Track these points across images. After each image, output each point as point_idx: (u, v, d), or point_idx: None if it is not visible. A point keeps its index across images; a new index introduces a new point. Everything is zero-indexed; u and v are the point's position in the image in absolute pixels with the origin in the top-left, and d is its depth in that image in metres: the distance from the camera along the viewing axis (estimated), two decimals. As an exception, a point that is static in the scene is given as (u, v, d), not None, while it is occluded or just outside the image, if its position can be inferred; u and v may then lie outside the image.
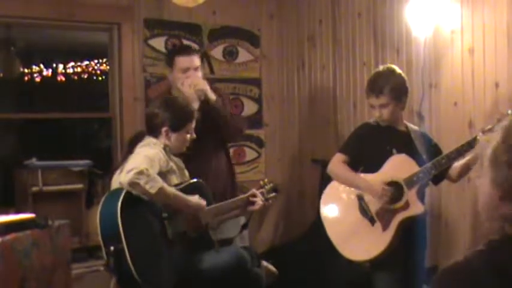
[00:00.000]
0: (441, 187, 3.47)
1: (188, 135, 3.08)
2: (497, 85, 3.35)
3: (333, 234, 3.12)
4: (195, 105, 3.42)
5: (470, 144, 2.83)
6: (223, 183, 3.51)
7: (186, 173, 3.15)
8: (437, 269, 3.48)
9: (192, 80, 3.47)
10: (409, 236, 2.95)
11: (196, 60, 3.59)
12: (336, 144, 4.26)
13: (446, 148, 3.04)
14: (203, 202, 2.96)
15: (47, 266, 2.93)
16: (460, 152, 2.87)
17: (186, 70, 3.53)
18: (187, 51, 3.67)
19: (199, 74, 3.59)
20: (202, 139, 3.35)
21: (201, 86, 3.47)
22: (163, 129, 3.01)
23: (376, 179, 3.01)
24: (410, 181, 2.92)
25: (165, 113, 3.03)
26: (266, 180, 3.43)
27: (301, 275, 4.04)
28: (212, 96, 3.48)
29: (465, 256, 1.28)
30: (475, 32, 3.46)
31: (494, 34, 3.35)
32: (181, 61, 3.54)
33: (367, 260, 3.03)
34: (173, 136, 3.03)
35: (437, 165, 2.90)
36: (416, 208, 2.92)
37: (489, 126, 2.79)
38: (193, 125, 3.10)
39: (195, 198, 2.93)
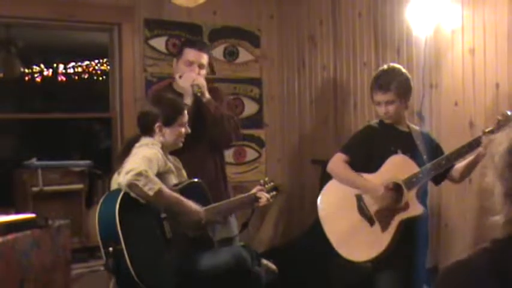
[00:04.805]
0: (442, 187, 3.46)
1: (182, 129, 3.07)
2: (497, 85, 3.34)
3: (332, 234, 3.11)
4: (188, 100, 3.40)
5: (471, 146, 2.84)
6: (212, 186, 3.44)
7: (184, 173, 3.14)
8: (437, 269, 3.48)
9: (190, 75, 3.45)
10: (410, 236, 2.94)
11: (203, 58, 3.53)
12: (336, 144, 4.25)
13: (447, 148, 3.04)
14: (202, 211, 2.94)
15: (47, 266, 2.92)
16: (460, 153, 2.88)
17: (190, 63, 3.48)
18: (197, 45, 3.59)
19: (203, 72, 3.53)
20: (195, 136, 3.33)
21: (198, 81, 3.42)
22: (156, 125, 3.01)
23: (375, 179, 3.01)
24: (410, 182, 2.92)
25: (156, 109, 3.04)
26: (267, 179, 3.44)
27: (302, 275, 4.04)
28: (207, 95, 3.44)
29: (469, 254, 1.28)
30: (476, 32, 3.46)
31: (495, 34, 3.35)
32: (189, 53, 3.49)
33: (367, 260, 3.03)
34: (167, 131, 3.02)
35: (437, 166, 2.91)
36: (415, 209, 2.92)
37: (490, 128, 2.80)
38: (186, 118, 3.09)
39: (195, 205, 2.92)
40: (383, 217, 2.96)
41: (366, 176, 3.05)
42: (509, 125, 1.33)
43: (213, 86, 3.62)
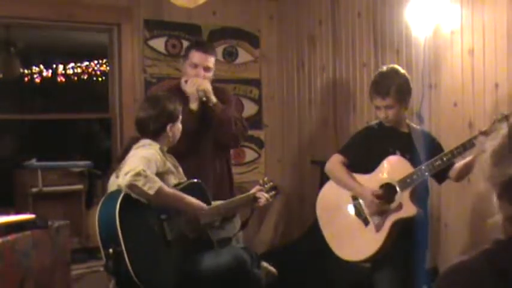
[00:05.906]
0: (441, 188, 3.47)
1: (180, 124, 3.09)
2: (497, 86, 3.35)
3: (328, 234, 3.13)
4: (194, 105, 3.40)
5: (465, 146, 2.83)
6: (217, 188, 3.43)
7: (181, 170, 3.13)
8: (436, 269, 3.48)
9: (196, 80, 3.43)
10: (409, 235, 2.95)
11: (209, 61, 3.50)
12: (335, 145, 4.26)
13: (446, 149, 3.04)
14: (203, 203, 2.96)
15: (46, 266, 2.92)
16: (454, 154, 2.87)
17: (195, 66, 3.45)
18: (204, 48, 3.54)
19: (209, 74, 3.50)
20: (200, 140, 3.33)
21: (204, 87, 3.41)
22: (169, 126, 3.01)
23: (370, 180, 3.01)
24: (404, 183, 2.92)
25: (166, 110, 3.02)
26: (266, 179, 3.44)
27: (301, 276, 4.04)
28: (213, 99, 3.42)
29: (470, 255, 1.28)
30: (475, 33, 3.46)
31: (494, 35, 3.36)
32: (195, 56, 3.47)
33: (361, 260, 3.03)
34: (174, 128, 3.04)
35: (431, 167, 2.89)
36: (409, 210, 2.92)
37: (485, 128, 2.79)
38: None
39: (197, 200, 2.94)
40: (377, 218, 2.96)
41: (361, 176, 3.06)
42: (501, 126, 1.33)
43: (219, 87, 3.60)
